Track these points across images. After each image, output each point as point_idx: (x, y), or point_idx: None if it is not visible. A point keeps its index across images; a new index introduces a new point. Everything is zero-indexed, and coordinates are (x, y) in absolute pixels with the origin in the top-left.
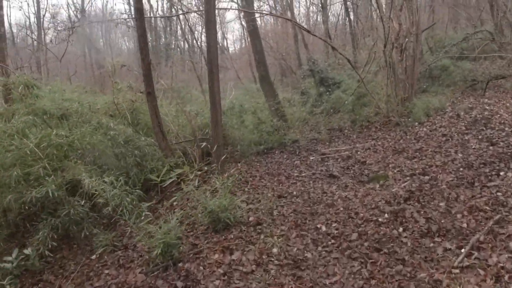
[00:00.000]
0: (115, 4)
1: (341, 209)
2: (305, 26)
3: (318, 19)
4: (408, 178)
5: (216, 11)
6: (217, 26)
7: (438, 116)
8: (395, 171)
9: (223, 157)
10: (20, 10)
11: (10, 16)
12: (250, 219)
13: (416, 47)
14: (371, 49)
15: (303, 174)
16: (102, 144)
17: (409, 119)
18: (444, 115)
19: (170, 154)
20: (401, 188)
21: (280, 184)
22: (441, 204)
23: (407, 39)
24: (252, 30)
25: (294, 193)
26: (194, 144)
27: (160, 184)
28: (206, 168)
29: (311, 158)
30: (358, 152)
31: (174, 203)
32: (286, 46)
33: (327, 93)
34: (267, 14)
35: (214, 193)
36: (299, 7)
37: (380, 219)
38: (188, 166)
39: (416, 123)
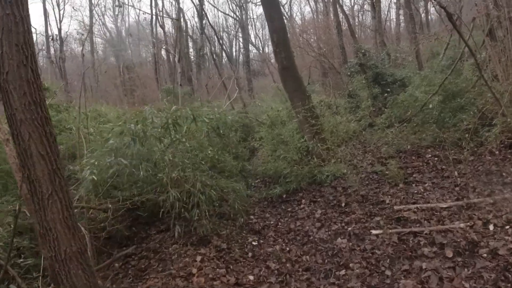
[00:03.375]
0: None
1: None
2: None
3: (365, 18)
4: None
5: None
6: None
7: None
8: None
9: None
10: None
11: None
12: None
13: None
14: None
15: None
16: None
17: None
18: None
19: None
20: None
21: None
22: None
23: None
24: None
25: None
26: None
27: None
28: None
29: (374, 232)
30: (491, 228)
31: None
32: (327, 39)
33: (385, 94)
34: None
35: None
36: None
37: None
38: None
39: None
